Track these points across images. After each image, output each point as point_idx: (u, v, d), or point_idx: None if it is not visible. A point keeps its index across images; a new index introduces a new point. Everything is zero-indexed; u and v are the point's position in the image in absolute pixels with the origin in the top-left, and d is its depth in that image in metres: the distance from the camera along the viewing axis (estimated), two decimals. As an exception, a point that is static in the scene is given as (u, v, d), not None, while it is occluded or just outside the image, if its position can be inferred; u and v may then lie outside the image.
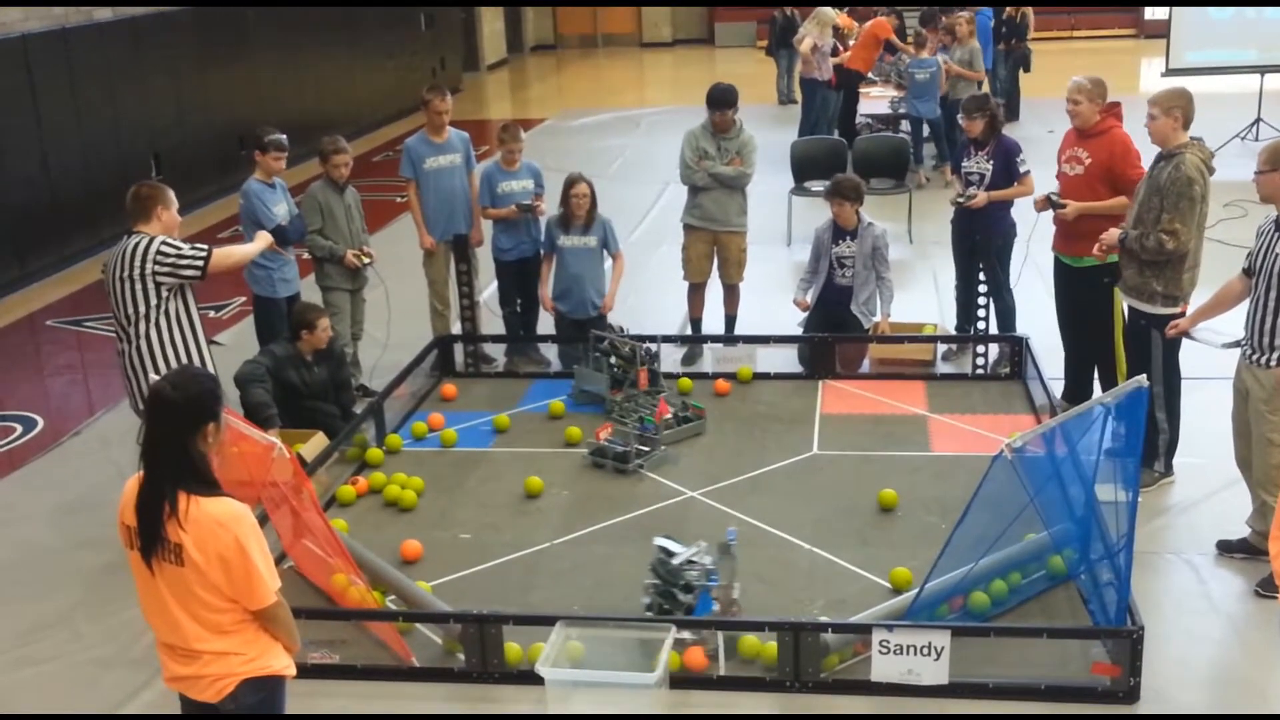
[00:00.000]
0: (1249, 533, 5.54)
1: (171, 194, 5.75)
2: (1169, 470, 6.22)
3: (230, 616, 3.40)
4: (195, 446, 3.35)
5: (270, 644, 3.49)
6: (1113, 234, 6.09)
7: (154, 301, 5.64)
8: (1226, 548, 5.59)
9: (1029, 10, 16.36)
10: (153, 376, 5.67)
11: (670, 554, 5.00)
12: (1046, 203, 6.77)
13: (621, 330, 8.20)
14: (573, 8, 28.70)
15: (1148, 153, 6.41)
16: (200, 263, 5.62)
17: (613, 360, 7.37)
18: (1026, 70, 16.14)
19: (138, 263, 5.56)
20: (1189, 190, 5.78)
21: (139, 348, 5.72)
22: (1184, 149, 5.89)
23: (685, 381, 7.67)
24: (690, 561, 4.97)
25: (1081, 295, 6.82)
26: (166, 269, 5.58)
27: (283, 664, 3.53)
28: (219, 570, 3.33)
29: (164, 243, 5.58)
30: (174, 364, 5.68)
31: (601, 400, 7.33)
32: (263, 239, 6.39)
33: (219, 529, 3.31)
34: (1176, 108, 5.93)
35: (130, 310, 5.67)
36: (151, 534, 3.33)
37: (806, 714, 4.65)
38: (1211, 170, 5.89)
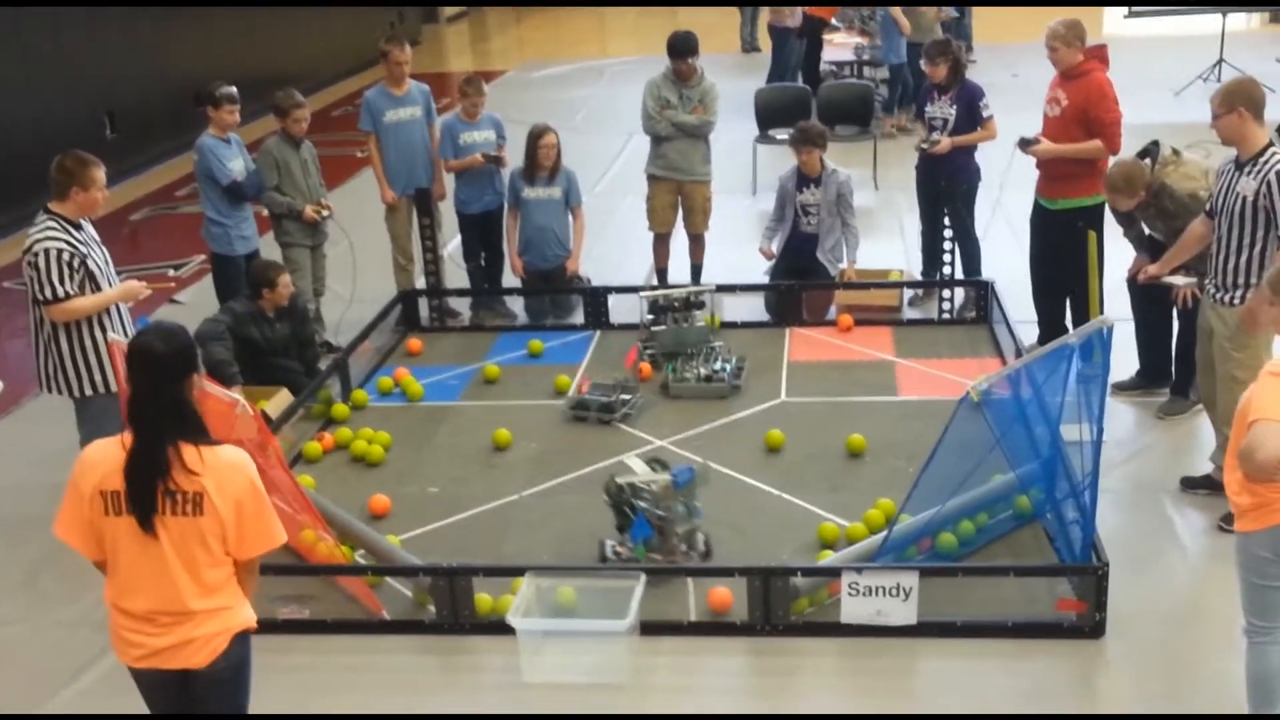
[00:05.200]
0: (1212, 469, 5.60)
1: (95, 172, 5.37)
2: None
3: (222, 572, 3.39)
4: (189, 397, 3.34)
5: (243, 597, 3.49)
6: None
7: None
8: (1190, 484, 5.66)
9: None
10: (56, 351, 5.48)
11: (632, 472, 5.13)
12: (1023, 143, 6.76)
13: (587, 281, 8.17)
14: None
15: (1131, 99, 6.42)
16: (43, 299, 5.33)
17: (671, 313, 7.26)
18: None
19: (24, 248, 5.37)
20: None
21: (44, 327, 5.49)
22: (1158, 179, 5.95)
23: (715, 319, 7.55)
24: (645, 486, 5.05)
25: (1055, 237, 6.83)
26: (30, 272, 5.34)
27: (253, 615, 3.54)
28: (234, 516, 3.31)
29: (43, 252, 5.27)
30: (77, 347, 5.47)
31: (675, 355, 7.13)
32: (117, 291, 5.57)
33: (236, 473, 3.32)
34: (1139, 185, 5.93)
35: (33, 289, 5.42)
36: (153, 490, 3.26)
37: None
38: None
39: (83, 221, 5.51)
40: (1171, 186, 5.91)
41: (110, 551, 3.37)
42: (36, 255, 5.31)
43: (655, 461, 5.30)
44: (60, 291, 5.33)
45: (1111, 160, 6.47)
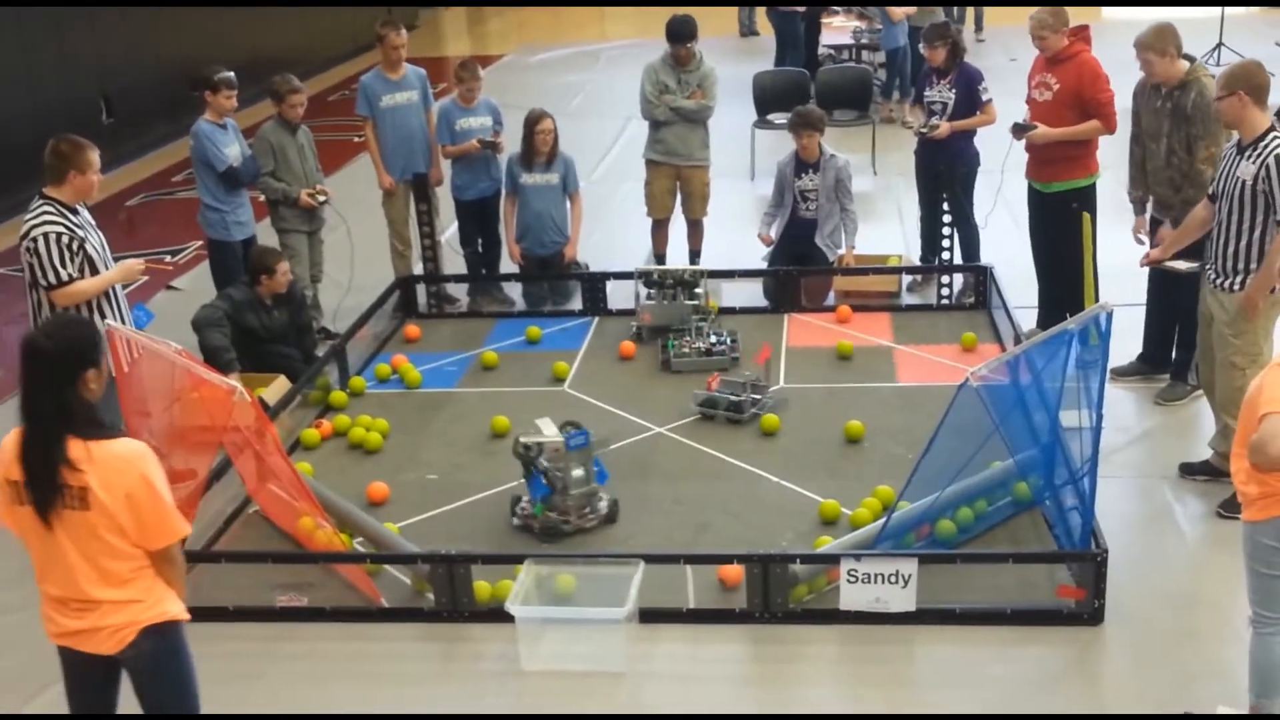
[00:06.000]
0: (1211, 455, 5.59)
1: (91, 155, 5.34)
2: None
3: (130, 564, 3.40)
4: (78, 393, 3.33)
5: (165, 590, 3.50)
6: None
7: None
8: (1189, 470, 5.65)
9: None
10: None
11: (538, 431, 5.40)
12: (1018, 130, 6.73)
13: (585, 267, 8.15)
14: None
15: (1118, 77, 6.41)
16: (47, 284, 5.30)
17: (666, 288, 7.31)
18: None
19: (21, 234, 5.33)
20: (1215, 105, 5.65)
21: (40, 313, 5.45)
22: (1194, 75, 5.90)
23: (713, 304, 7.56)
24: (543, 446, 5.31)
25: (1052, 221, 6.83)
26: (30, 259, 5.31)
27: (179, 608, 3.54)
28: (126, 510, 3.32)
29: (41, 236, 5.25)
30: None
31: (667, 331, 7.20)
32: (116, 272, 5.55)
33: (126, 466, 3.31)
34: (1169, 44, 5.91)
35: (27, 275, 5.41)
36: (46, 484, 3.29)
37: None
38: None
39: (79, 206, 5.48)
40: (1203, 83, 5.86)
41: (22, 537, 3.44)
42: (35, 240, 5.29)
43: (570, 424, 5.46)
44: (63, 275, 5.32)
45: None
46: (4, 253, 10.01)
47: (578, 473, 5.31)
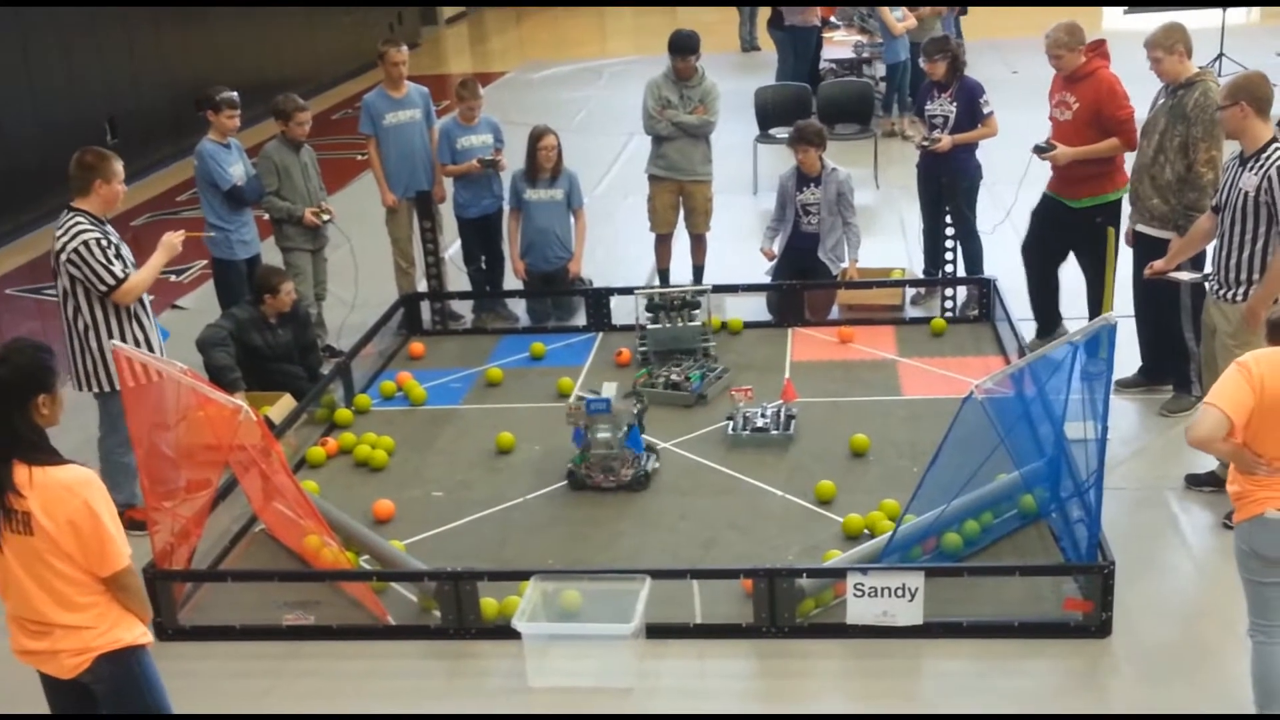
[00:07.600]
0: (1217, 466, 5.58)
1: (116, 165, 5.46)
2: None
3: (82, 589, 3.41)
4: (27, 418, 3.34)
5: (121, 616, 3.50)
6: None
7: (75, 287, 5.49)
8: (1195, 481, 5.65)
9: None
10: (96, 347, 5.54)
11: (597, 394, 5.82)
12: (1039, 151, 6.71)
13: (589, 283, 8.16)
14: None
15: (1135, 91, 6.41)
16: (107, 287, 5.42)
17: (667, 311, 7.28)
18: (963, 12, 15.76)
19: (58, 249, 5.42)
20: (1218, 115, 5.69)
21: (76, 324, 5.56)
22: (1201, 78, 5.93)
23: (736, 321, 7.66)
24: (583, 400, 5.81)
25: (1076, 234, 6.80)
26: (77, 270, 5.41)
27: (135, 634, 3.53)
28: (70, 536, 3.32)
29: (82, 245, 5.35)
30: (108, 341, 5.50)
31: (669, 354, 7.17)
32: (160, 254, 5.75)
33: (67, 494, 3.31)
34: (1178, 43, 5.96)
35: (66, 286, 5.52)
36: None
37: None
38: None
39: (104, 219, 5.56)
40: (1208, 85, 5.89)
41: None
42: (78, 251, 5.37)
43: (632, 395, 5.99)
44: (118, 273, 5.43)
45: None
46: (11, 273, 10.05)
47: (601, 435, 5.70)
